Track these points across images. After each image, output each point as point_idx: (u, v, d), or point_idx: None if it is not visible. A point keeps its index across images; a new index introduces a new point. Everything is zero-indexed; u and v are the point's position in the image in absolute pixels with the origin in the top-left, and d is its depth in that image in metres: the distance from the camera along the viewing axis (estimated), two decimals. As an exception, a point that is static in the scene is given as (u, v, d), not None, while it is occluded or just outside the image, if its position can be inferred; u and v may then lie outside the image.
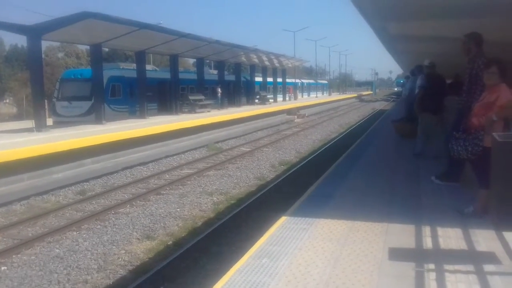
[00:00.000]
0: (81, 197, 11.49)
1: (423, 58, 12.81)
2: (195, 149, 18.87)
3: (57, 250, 7.90)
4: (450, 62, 14.50)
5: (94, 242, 8.25)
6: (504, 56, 5.19)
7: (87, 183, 12.79)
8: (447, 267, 3.83)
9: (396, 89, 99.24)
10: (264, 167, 15.40)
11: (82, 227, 9.11)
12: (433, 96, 9.17)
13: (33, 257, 7.62)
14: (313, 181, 7.68)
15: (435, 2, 6.62)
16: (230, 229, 8.74)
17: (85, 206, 10.65)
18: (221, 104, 29.76)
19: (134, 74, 22.39)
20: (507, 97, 4.73)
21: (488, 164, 4.13)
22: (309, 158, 16.81)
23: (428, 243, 4.46)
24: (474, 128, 4.93)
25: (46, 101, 19.21)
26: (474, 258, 4.02)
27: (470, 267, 3.83)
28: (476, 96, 5.81)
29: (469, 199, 5.52)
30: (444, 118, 9.62)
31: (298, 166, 15.19)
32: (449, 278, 3.63)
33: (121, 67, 26.64)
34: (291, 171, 14.20)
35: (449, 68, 16.90)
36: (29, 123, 17.81)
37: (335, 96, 68.08)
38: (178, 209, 10.32)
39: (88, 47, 21.40)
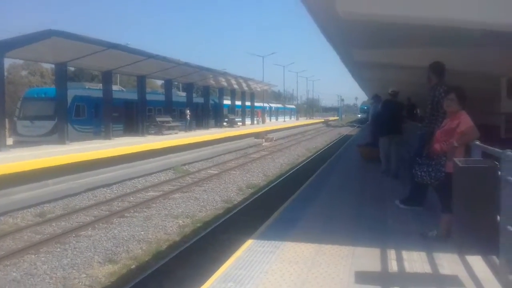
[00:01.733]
0: (40, 219, 11.07)
1: (387, 85, 13.24)
2: (162, 171, 18.59)
3: (14, 274, 7.55)
4: (413, 89, 14.99)
5: (53, 266, 7.93)
6: (466, 85, 5.39)
7: (48, 205, 12.35)
8: (412, 290, 3.86)
9: (359, 115, 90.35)
10: (231, 190, 15.30)
11: (41, 250, 8.75)
12: (390, 121, 10.08)
13: (-14, 282, 7.24)
14: (280, 205, 7.67)
15: (398, 33, 6.87)
16: (195, 253, 8.58)
17: (44, 229, 10.25)
18: (189, 126, 29.62)
19: (100, 94, 22.09)
20: (467, 123, 4.89)
21: (451, 189, 4.24)
22: (277, 181, 16.84)
23: (393, 266, 4.50)
24: (436, 154, 5.06)
25: (7, 120, 18.63)
26: (439, 281, 4.07)
27: (434, 290, 3.87)
28: (438, 123, 5.99)
29: (432, 223, 5.62)
30: (402, 139, 10.89)
31: (266, 189, 15.17)
32: (414, 301, 3.66)
33: (86, 87, 26.25)
34: (258, 194, 14.16)
35: (412, 96, 17.46)
36: (-12, 142, 17.14)
37: (303, 121, 68.93)
38: (142, 232, 10.08)
39: (53, 65, 20.95)
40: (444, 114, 5.52)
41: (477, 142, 4.79)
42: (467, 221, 3.87)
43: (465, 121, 4.90)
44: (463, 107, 5.01)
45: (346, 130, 58.42)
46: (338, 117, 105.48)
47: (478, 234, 3.81)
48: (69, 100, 20.22)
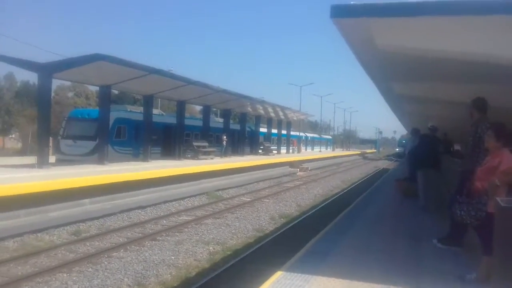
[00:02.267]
0: (75, 237, 11.28)
1: (426, 119, 12.96)
2: (195, 196, 18.70)
3: (45, 292, 7.65)
4: (454, 125, 14.61)
5: (83, 286, 8.00)
6: (510, 122, 5.20)
7: (83, 224, 12.59)
8: (448, 336, 3.66)
9: (397, 149, 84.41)
10: (263, 218, 15.18)
11: (73, 269, 8.86)
12: (427, 155, 10.27)
13: (19, 298, 7.37)
14: (312, 236, 7.53)
15: (438, 67, 6.75)
16: (224, 281, 8.48)
17: (78, 248, 10.43)
18: (225, 152, 29.85)
19: (140, 117, 22.64)
20: (509, 162, 4.69)
21: (492, 230, 4.04)
22: (310, 212, 16.60)
23: (428, 309, 4.29)
24: (478, 192, 4.88)
25: (51, 138, 19.33)
26: (476, 329, 3.84)
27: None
28: (480, 160, 5.79)
29: (472, 265, 5.35)
30: (441, 173, 10.96)
31: (298, 220, 14.97)
32: None
33: (128, 110, 27.03)
34: (291, 225, 13.97)
35: (453, 131, 17.01)
36: (32, 159, 17.84)
37: (339, 152, 68.29)
38: (173, 257, 10.08)
39: (97, 88, 21.75)
40: (486, 151, 5.34)
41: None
42: (509, 264, 3.67)
43: (507, 160, 4.71)
44: (504, 145, 4.83)
45: (383, 164, 57.37)
46: (375, 150, 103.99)
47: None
48: (111, 121, 20.82)
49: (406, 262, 5.95)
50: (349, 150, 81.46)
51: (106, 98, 19.93)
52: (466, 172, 6.13)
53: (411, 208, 10.82)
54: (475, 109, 6.32)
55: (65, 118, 24.33)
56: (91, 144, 21.24)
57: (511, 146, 4.90)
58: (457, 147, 28.85)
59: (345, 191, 24.66)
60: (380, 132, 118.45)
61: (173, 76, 20.47)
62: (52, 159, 19.48)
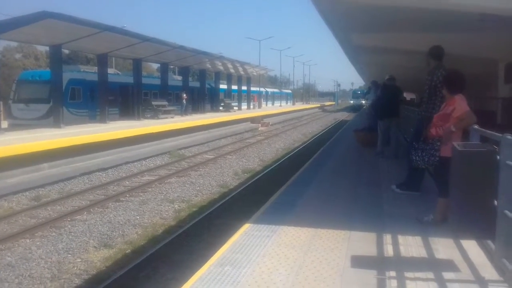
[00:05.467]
0: (35, 203, 11.03)
1: (384, 70, 13.19)
2: (157, 155, 18.53)
3: (9, 258, 7.52)
4: (411, 74, 14.93)
5: (48, 250, 7.91)
6: (463, 70, 5.33)
7: (43, 189, 12.30)
8: (408, 274, 3.86)
9: (352, 101, 76.79)
10: (227, 174, 15.29)
11: (36, 234, 8.72)
12: (388, 104, 10.51)
13: (-19, 266, 7.22)
14: (276, 189, 7.66)
15: (397, 17, 6.79)
16: (191, 237, 8.58)
17: (39, 213, 10.22)
18: (185, 110, 29.48)
19: (95, 78, 21.90)
20: (463, 108, 4.84)
21: (447, 174, 4.22)
22: (273, 166, 16.84)
23: (389, 250, 4.50)
24: (432, 138, 5.04)
25: (1, 103, 18.48)
26: (434, 266, 4.07)
27: (430, 275, 3.87)
28: (436, 107, 5.95)
29: (428, 207, 5.62)
30: (399, 122, 11.59)
31: (262, 174, 15.17)
32: (410, 285, 3.66)
33: (81, 70, 26.00)
34: (254, 179, 14.16)
35: (410, 80, 17.40)
36: (-18, 125, 17.03)
37: (299, 106, 68.80)
38: (138, 217, 10.07)
39: (47, 48, 20.72)
40: (442, 98, 5.49)
41: (476, 127, 4.76)
42: (464, 206, 3.86)
43: (460, 106, 4.85)
44: (457, 91, 4.95)
45: (342, 116, 58.38)
46: (334, 102, 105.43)
47: (474, 219, 3.81)
48: (64, 83, 20.02)
49: (368, 208, 6.17)
50: (309, 104, 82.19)
51: (57, 58, 19.04)
52: (423, 119, 6.32)
53: (370, 157, 11.15)
54: (431, 57, 6.42)
55: (15, 81, 23.19)
56: (44, 107, 20.47)
57: (465, 92, 5.03)
58: (410, 96, 29.62)
59: (306, 143, 25.06)
60: (339, 85, 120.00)
61: (127, 33, 19.73)
62: (4, 124, 18.67)
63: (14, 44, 54.64)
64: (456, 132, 4.81)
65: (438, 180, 5.25)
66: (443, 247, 4.52)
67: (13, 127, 19.28)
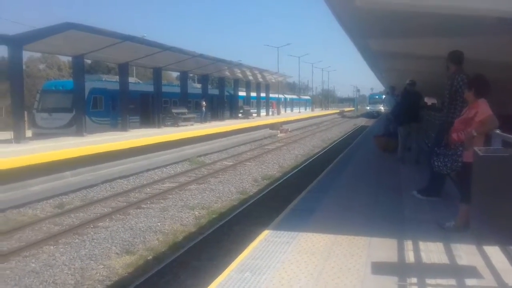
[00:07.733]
0: (59, 210, 11.24)
1: (403, 75, 13.06)
2: (177, 162, 18.69)
3: (33, 265, 7.68)
4: (431, 79, 14.76)
5: (71, 257, 8.05)
6: (486, 74, 5.27)
7: (66, 197, 12.53)
8: (429, 281, 3.83)
9: (368, 107, 73.76)
10: (246, 181, 15.33)
11: (60, 241, 8.88)
12: (409, 110, 10.49)
13: (7, 272, 7.38)
14: (296, 195, 7.66)
15: (415, 22, 6.74)
16: (211, 244, 8.63)
17: (63, 220, 10.41)
18: (204, 117, 29.69)
19: (116, 87, 22.22)
20: (485, 112, 4.79)
21: (469, 179, 4.17)
22: (292, 172, 16.81)
23: (410, 257, 4.46)
24: (454, 143, 4.99)
25: (25, 112, 18.91)
26: (456, 272, 4.02)
27: (452, 281, 3.83)
28: (457, 112, 5.90)
29: (450, 213, 5.55)
30: (420, 127, 11.53)
31: (281, 180, 15.17)
32: (432, 292, 3.63)
33: (103, 79, 26.46)
34: (274, 186, 14.16)
35: (431, 85, 17.20)
36: (8, 135, 17.47)
37: (318, 112, 68.55)
38: (159, 223, 10.16)
39: (70, 58, 21.17)
40: (463, 103, 5.44)
41: (498, 131, 4.70)
42: (486, 211, 3.80)
43: (483, 110, 4.80)
44: (480, 96, 4.91)
45: (362, 121, 57.96)
46: (353, 108, 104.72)
47: (497, 224, 3.75)
48: (86, 92, 20.41)
49: (388, 214, 6.12)
50: (328, 110, 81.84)
51: (79, 68, 19.44)
52: (444, 124, 6.26)
53: (390, 162, 11.07)
54: (451, 62, 6.38)
55: (39, 91, 23.72)
56: (67, 116, 20.89)
57: (489, 96, 4.98)
58: (431, 100, 29.24)
59: (325, 149, 24.95)
60: (358, 90, 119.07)
61: (147, 43, 19.99)
62: (28, 133, 19.11)
63: (37, 55, 56.02)
64: (478, 137, 4.75)
65: (460, 185, 5.19)
66: (466, 253, 4.47)
67: (37, 136, 19.69)
